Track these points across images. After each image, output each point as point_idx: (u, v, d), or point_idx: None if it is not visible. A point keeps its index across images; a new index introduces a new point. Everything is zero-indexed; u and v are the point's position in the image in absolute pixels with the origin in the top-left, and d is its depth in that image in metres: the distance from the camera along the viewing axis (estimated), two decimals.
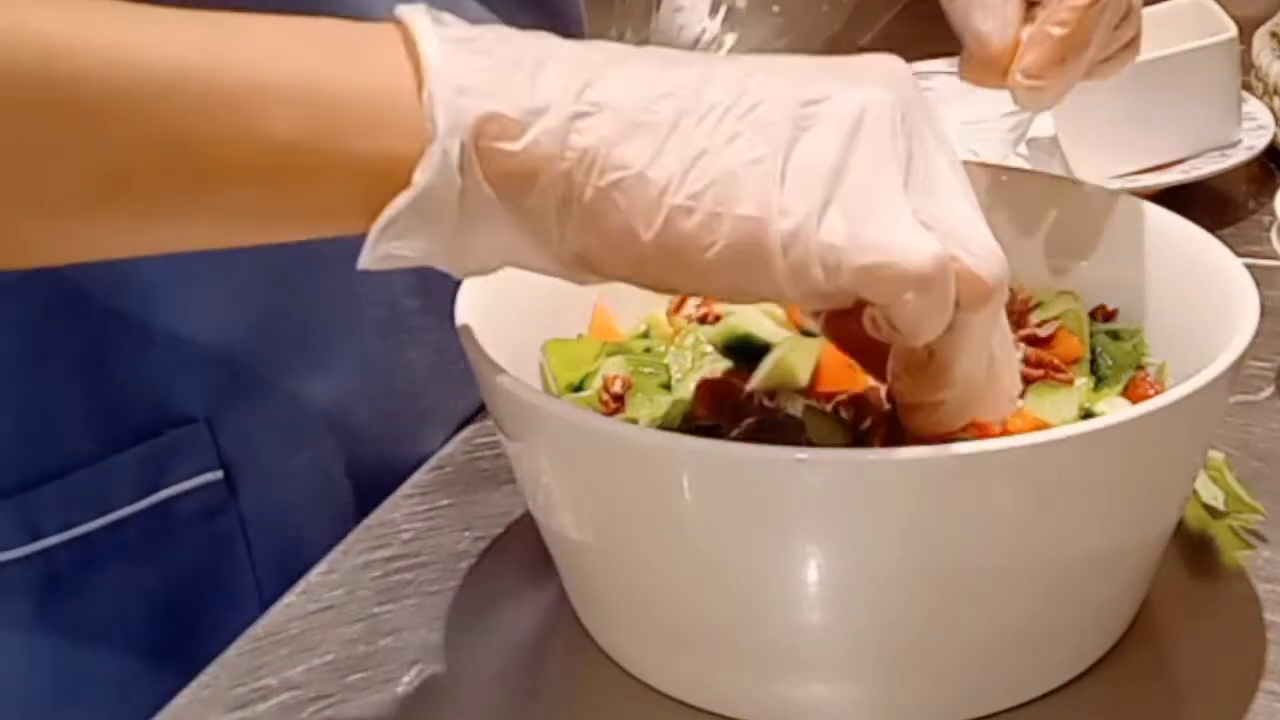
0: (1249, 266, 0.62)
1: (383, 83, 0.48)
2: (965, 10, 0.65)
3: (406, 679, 0.62)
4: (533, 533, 0.63)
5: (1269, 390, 0.78)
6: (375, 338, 0.76)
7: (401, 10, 0.50)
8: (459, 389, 0.77)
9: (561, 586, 0.64)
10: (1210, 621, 0.64)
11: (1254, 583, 0.65)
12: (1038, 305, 0.67)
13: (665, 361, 0.64)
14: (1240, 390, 0.76)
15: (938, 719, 0.59)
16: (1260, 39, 1.12)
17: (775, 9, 1.33)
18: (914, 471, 0.52)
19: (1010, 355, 0.59)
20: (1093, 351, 0.65)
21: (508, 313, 0.63)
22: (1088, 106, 1.00)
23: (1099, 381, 0.65)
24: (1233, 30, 0.99)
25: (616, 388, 0.63)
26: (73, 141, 0.46)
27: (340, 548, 0.69)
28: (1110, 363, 0.65)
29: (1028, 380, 0.63)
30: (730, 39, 1.32)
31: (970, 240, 0.50)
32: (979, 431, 0.60)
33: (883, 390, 0.59)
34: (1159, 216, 0.67)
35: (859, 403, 0.60)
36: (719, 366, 0.63)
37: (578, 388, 0.65)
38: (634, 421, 0.61)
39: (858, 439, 0.59)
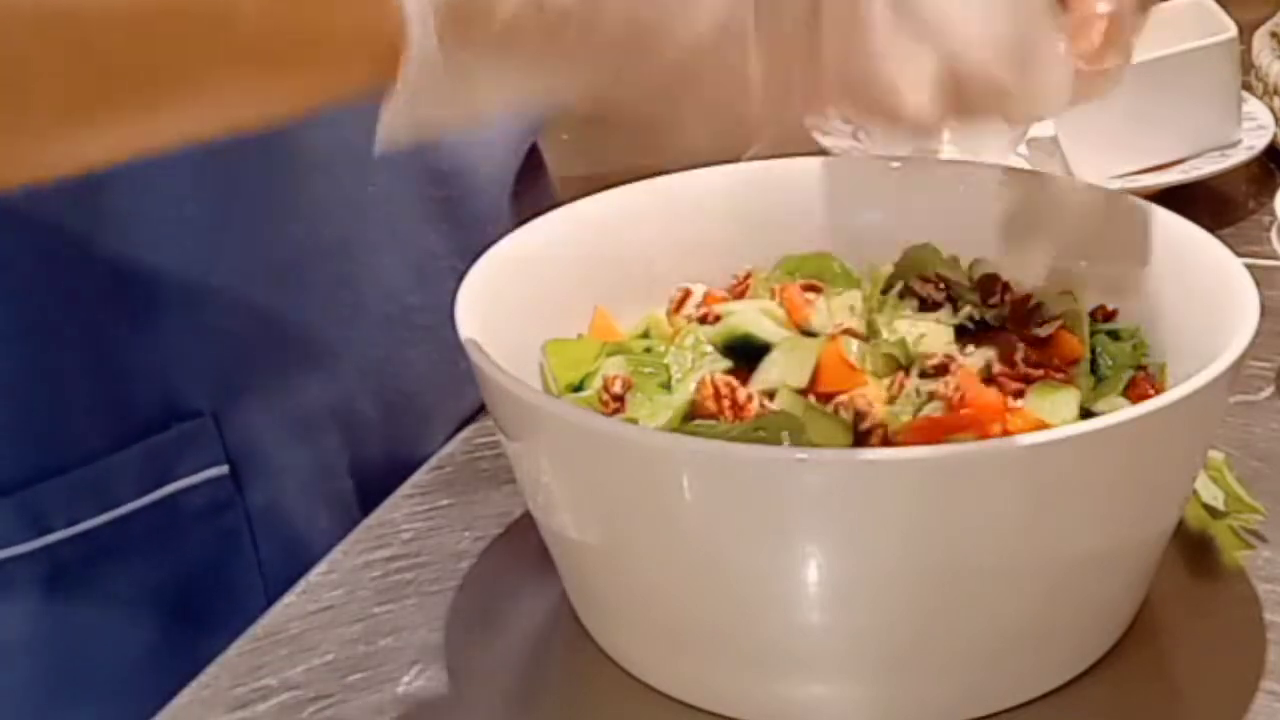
0: (1249, 266, 0.62)
1: None
2: None
3: (406, 679, 0.62)
4: (533, 533, 0.63)
5: (1269, 390, 0.78)
6: (378, 334, 0.76)
7: None
8: (460, 387, 0.78)
9: (561, 586, 0.64)
10: (1210, 621, 0.64)
11: (1254, 583, 0.65)
12: (1038, 305, 0.67)
13: (665, 361, 0.64)
14: (1240, 390, 0.76)
15: (938, 719, 0.59)
16: (1260, 39, 1.12)
17: None
18: (914, 471, 0.52)
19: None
20: (1093, 351, 0.65)
21: (508, 313, 0.63)
22: (1088, 106, 1.00)
23: (1099, 381, 0.65)
24: (1233, 30, 0.99)
25: (616, 388, 0.63)
26: (58, 51, 0.46)
27: (340, 548, 0.69)
28: (1110, 363, 0.65)
29: (1028, 380, 0.63)
30: None
31: None
32: (979, 431, 0.60)
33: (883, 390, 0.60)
34: (1159, 216, 0.67)
35: (859, 403, 0.60)
36: (719, 366, 0.63)
37: (578, 388, 0.65)
38: (634, 421, 0.61)
39: (858, 439, 0.59)
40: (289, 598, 0.66)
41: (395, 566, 0.68)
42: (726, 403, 0.61)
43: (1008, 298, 0.67)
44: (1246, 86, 1.05)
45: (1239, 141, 1.02)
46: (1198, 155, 1.01)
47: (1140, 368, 0.65)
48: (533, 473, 0.60)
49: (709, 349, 0.64)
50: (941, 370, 0.62)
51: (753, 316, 0.65)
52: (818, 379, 0.62)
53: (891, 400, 0.61)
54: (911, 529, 0.53)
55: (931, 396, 0.61)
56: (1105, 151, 1.00)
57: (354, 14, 0.48)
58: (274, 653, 0.63)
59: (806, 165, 0.73)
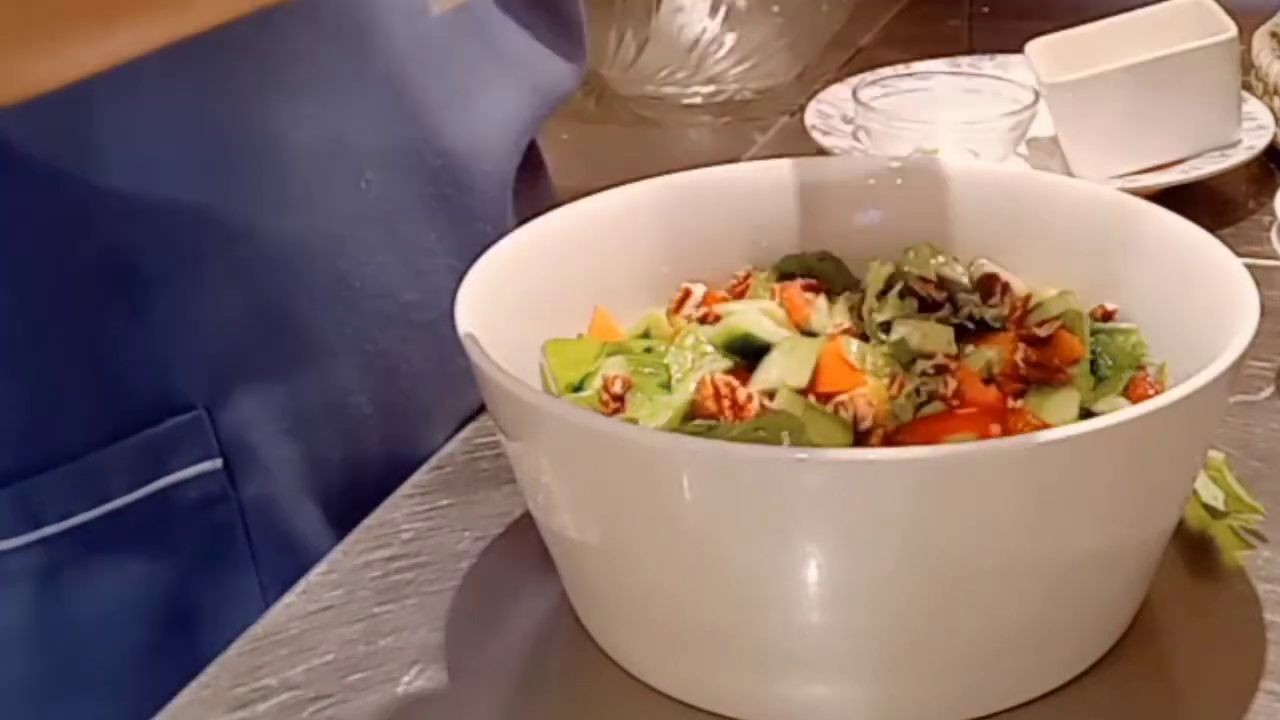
0: (1249, 266, 0.62)
1: None
2: None
3: (406, 679, 0.62)
4: (533, 533, 0.63)
5: (1269, 390, 0.78)
6: (373, 329, 0.76)
7: None
8: (459, 385, 0.78)
9: (561, 586, 0.64)
10: (1210, 621, 0.64)
11: (1254, 583, 0.65)
12: (1038, 305, 0.67)
13: (665, 361, 0.64)
14: (1240, 390, 0.76)
15: (938, 719, 0.59)
16: (1260, 39, 1.12)
17: (775, 9, 1.32)
18: (914, 471, 0.52)
19: None
20: (1093, 351, 0.65)
21: (508, 313, 0.63)
22: (1088, 106, 1.00)
23: (1099, 381, 0.65)
24: (1233, 30, 0.99)
25: (616, 388, 0.63)
26: None
27: (340, 548, 0.69)
28: (1110, 363, 0.65)
29: (1028, 380, 0.63)
30: (730, 39, 1.32)
31: None
32: (979, 431, 0.60)
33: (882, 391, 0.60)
34: (1159, 216, 0.67)
35: (859, 403, 0.60)
36: (719, 366, 0.63)
37: (578, 388, 0.65)
38: (634, 421, 0.61)
39: (858, 439, 0.59)
40: (289, 598, 0.66)
41: (395, 566, 0.68)
42: (726, 403, 0.61)
43: (1007, 298, 0.67)
44: (1246, 86, 1.06)
45: (1239, 141, 1.02)
46: (1198, 155, 1.01)
47: (1140, 368, 0.65)
48: (533, 473, 0.60)
49: (709, 349, 0.64)
50: (941, 370, 0.62)
51: (753, 316, 0.65)
52: (818, 379, 0.62)
53: (891, 400, 0.61)
54: (911, 529, 0.53)
55: (931, 396, 0.61)
56: (1105, 151, 1.00)
57: None
58: (274, 653, 0.63)
59: (806, 165, 0.73)
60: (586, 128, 1.33)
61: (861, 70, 1.11)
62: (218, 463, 0.72)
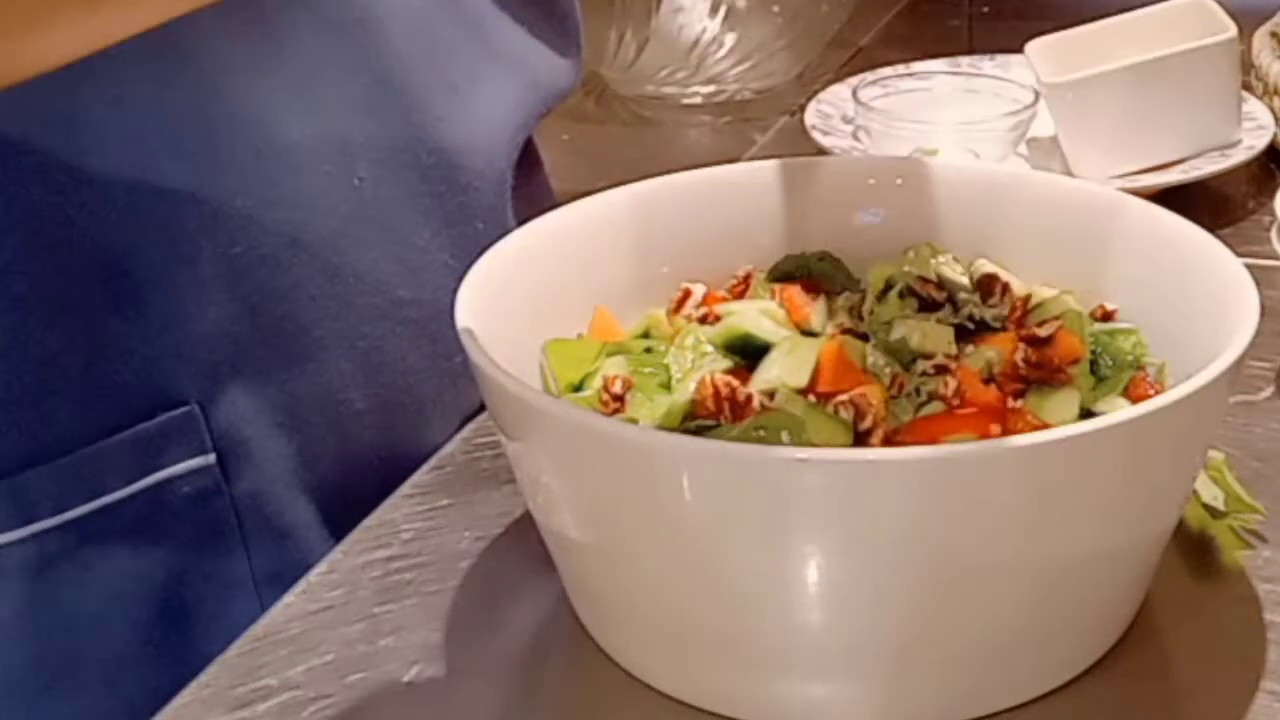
0: (1249, 266, 0.62)
1: None
2: None
3: (407, 679, 0.62)
4: (533, 533, 0.63)
5: (1269, 390, 0.78)
6: (366, 326, 0.76)
7: None
8: (456, 382, 0.78)
9: (561, 586, 0.64)
10: (1210, 621, 0.64)
11: (1254, 583, 0.65)
12: (1038, 305, 0.67)
13: (665, 361, 0.64)
14: (1240, 390, 0.76)
15: (937, 719, 0.59)
16: (1260, 39, 1.12)
17: (775, 9, 1.33)
18: (914, 471, 0.52)
19: None
20: (1093, 351, 0.65)
21: (508, 313, 0.63)
22: (1088, 106, 1.00)
23: (1099, 381, 0.65)
24: (1233, 30, 0.99)
25: (616, 388, 0.63)
26: None
27: (340, 548, 0.69)
28: (1110, 363, 0.65)
29: (1028, 380, 0.63)
30: (730, 39, 1.32)
31: None
32: (979, 432, 0.60)
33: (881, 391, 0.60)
34: (1159, 216, 0.67)
35: (859, 403, 0.60)
36: (719, 366, 0.63)
37: (578, 388, 0.65)
38: (634, 421, 0.61)
39: (858, 439, 0.59)
40: (289, 598, 0.66)
41: (395, 566, 0.68)
42: (726, 403, 0.61)
43: (1007, 298, 0.67)
44: (1246, 86, 1.06)
45: (1239, 141, 1.02)
46: (1198, 155, 1.01)
47: (1140, 368, 0.65)
48: (533, 473, 0.60)
49: (709, 349, 0.64)
50: (941, 370, 0.62)
51: (753, 316, 0.65)
52: (818, 379, 0.62)
53: (891, 400, 0.61)
54: (911, 529, 0.53)
55: (931, 396, 0.61)
56: (1105, 151, 1.00)
57: None
58: (274, 653, 0.63)
59: (806, 165, 0.73)
60: (586, 128, 1.33)
61: (861, 70, 1.11)
62: (211, 458, 0.72)
